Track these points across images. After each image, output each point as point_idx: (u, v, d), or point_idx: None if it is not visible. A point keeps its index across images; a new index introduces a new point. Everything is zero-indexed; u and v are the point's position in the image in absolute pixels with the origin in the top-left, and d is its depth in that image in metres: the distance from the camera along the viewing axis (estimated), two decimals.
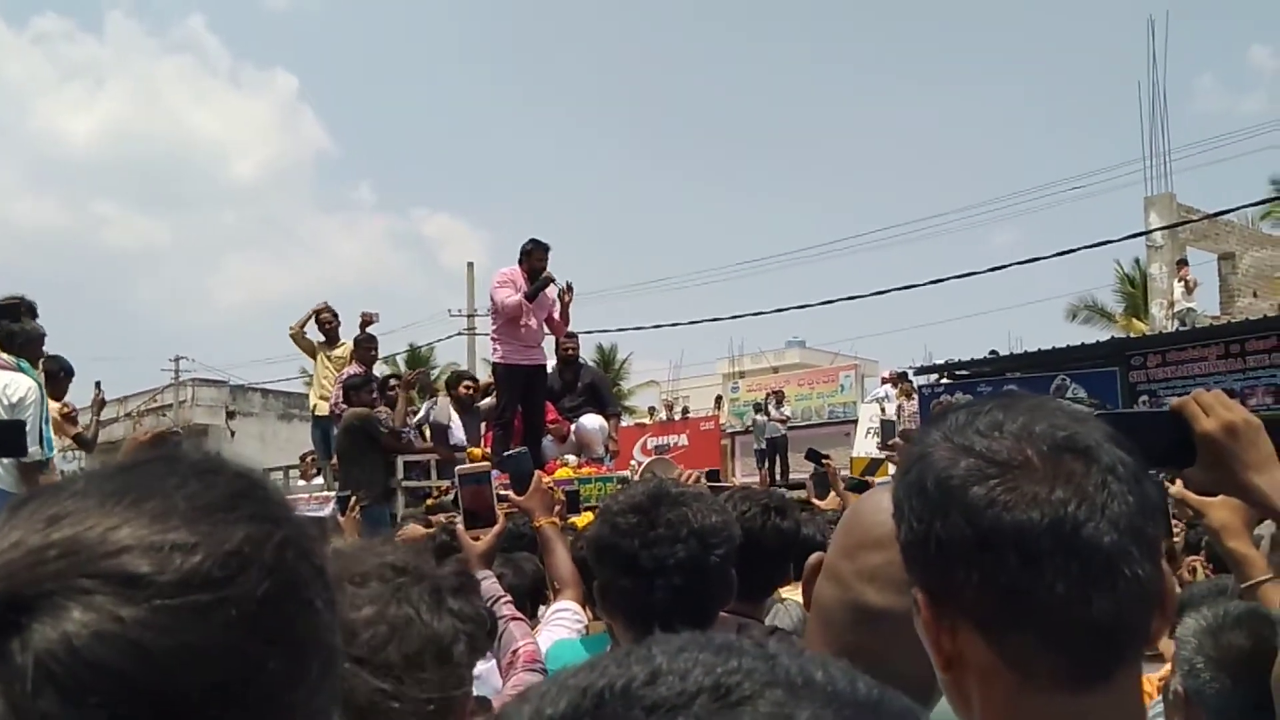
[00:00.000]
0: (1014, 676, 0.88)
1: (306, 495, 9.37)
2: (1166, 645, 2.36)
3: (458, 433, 9.49)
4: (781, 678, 0.46)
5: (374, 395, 9.24)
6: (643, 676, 0.46)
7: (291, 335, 10.98)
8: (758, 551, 2.70)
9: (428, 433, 9.53)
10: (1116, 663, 0.89)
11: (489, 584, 2.54)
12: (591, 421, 9.41)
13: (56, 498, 0.63)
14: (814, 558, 1.41)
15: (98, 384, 7.86)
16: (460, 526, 2.82)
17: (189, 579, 0.59)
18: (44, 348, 6.58)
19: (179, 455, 0.70)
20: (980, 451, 0.90)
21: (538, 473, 3.34)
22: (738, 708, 0.44)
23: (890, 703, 0.47)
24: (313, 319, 10.84)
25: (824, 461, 5.96)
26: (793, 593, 3.30)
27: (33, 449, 5.80)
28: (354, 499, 5.83)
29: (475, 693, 1.91)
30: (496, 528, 2.78)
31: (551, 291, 8.94)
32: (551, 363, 9.54)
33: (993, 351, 19.46)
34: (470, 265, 31.67)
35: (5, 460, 5.81)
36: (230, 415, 30.65)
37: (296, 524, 0.68)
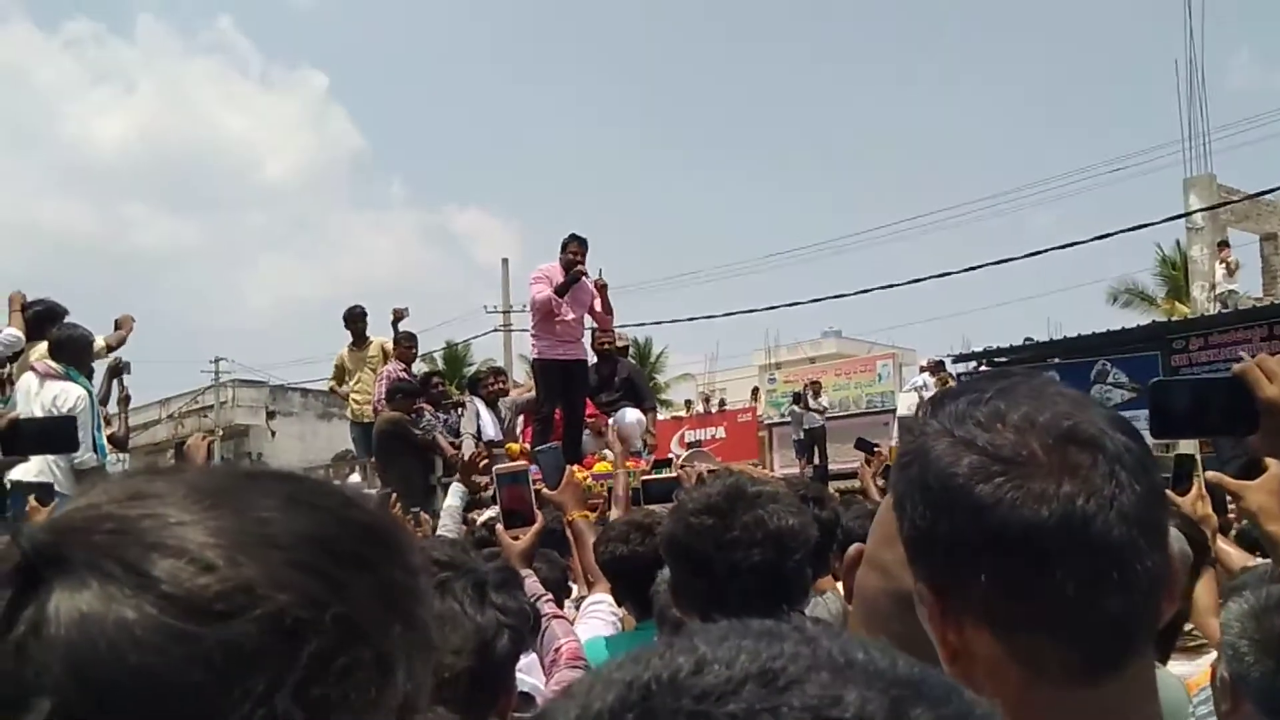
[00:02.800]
0: (1023, 671, 0.87)
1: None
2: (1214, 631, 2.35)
3: (489, 429, 9.53)
4: (825, 660, 0.46)
5: (415, 402, 9.30)
6: (689, 666, 0.46)
7: (331, 390, 11.25)
8: None
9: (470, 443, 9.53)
10: (1128, 654, 0.88)
11: (530, 582, 2.55)
12: (629, 415, 9.43)
13: (156, 479, 0.64)
14: (854, 549, 1.41)
15: (122, 383, 7.93)
16: (500, 526, 2.85)
17: (184, 600, 0.57)
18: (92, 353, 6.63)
19: (299, 479, 0.68)
20: (983, 447, 0.87)
21: (570, 467, 3.36)
22: (785, 692, 0.44)
23: (932, 680, 0.47)
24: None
25: (875, 450, 5.92)
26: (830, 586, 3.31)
27: (86, 455, 5.85)
28: (394, 497, 5.87)
29: (519, 689, 1.93)
30: (536, 526, 2.79)
31: (591, 286, 8.94)
32: (591, 358, 9.55)
33: (1028, 339, 19.30)
34: (505, 261, 31.76)
35: (62, 464, 5.87)
36: (270, 415, 30.93)
37: (359, 586, 0.62)
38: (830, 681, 0.44)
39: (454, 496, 4.09)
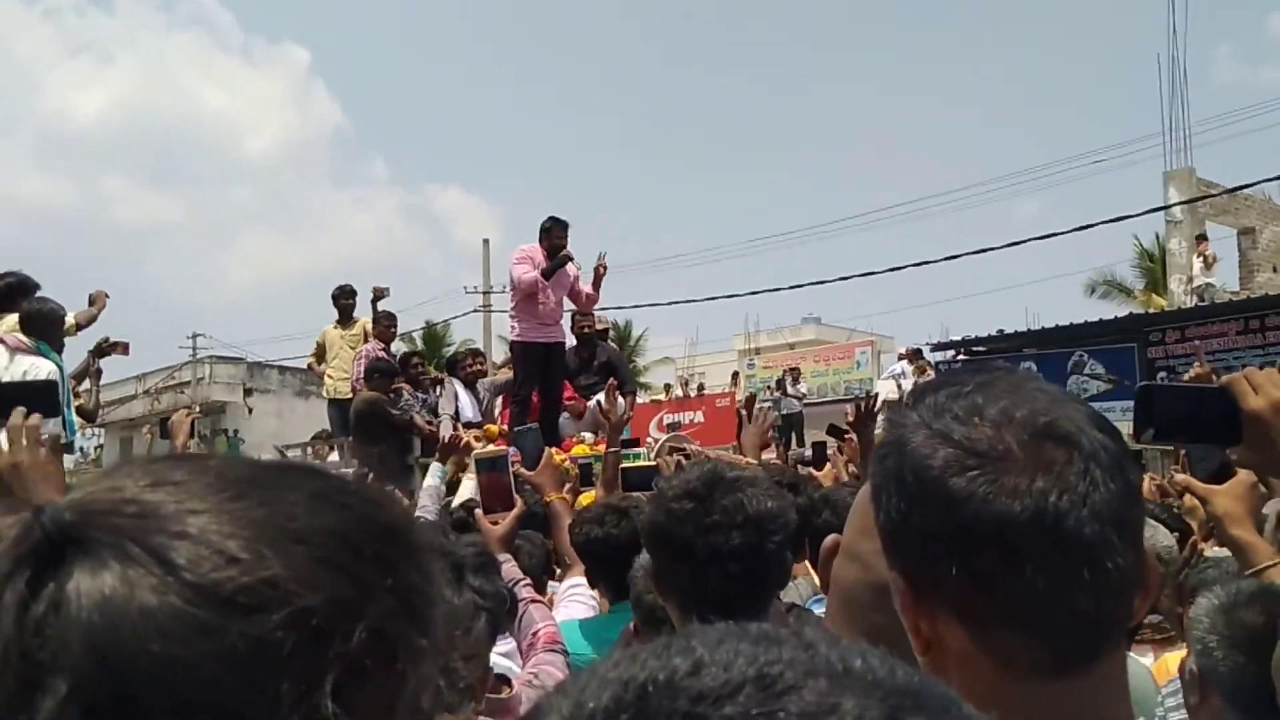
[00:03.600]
0: (994, 665, 0.87)
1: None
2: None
3: (468, 410, 9.52)
4: (823, 667, 0.45)
5: (393, 382, 9.27)
6: (685, 668, 0.45)
7: (309, 367, 11.09)
8: None
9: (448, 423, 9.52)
10: (1098, 650, 0.88)
11: (508, 567, 2.55)
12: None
13: (179, 466, 0.63)
14: (830, 539, 1.40)
15: (91, 353, 7.89)
16: (479, 511, 2.85)
17: (208, 590, 0.56)
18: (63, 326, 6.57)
19: (324, 474, 0.67)
20: (959, 440, 0.87)
21: (548, 449, 3.37)
22: (783, 697, 0.43)
23: (930, 689, 0.47)
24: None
25: (846, 438, 5.92)
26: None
27: (55, 430, 5.80)
28: (370, 477, 5.87)
29: (494, 670, 1.93)
30: (515, 511, 2.80)
31: (571, 269, 8.91)
32: (570, 341, 9.54)
33: (999, 330, 19.39)
34: (485, 242, 31.63)
35: None
36: (248, 392, 30.76)
37: (382, 587, 0.61)
38: (828, 689, 0.44)
39: (433, 476, 4.09)
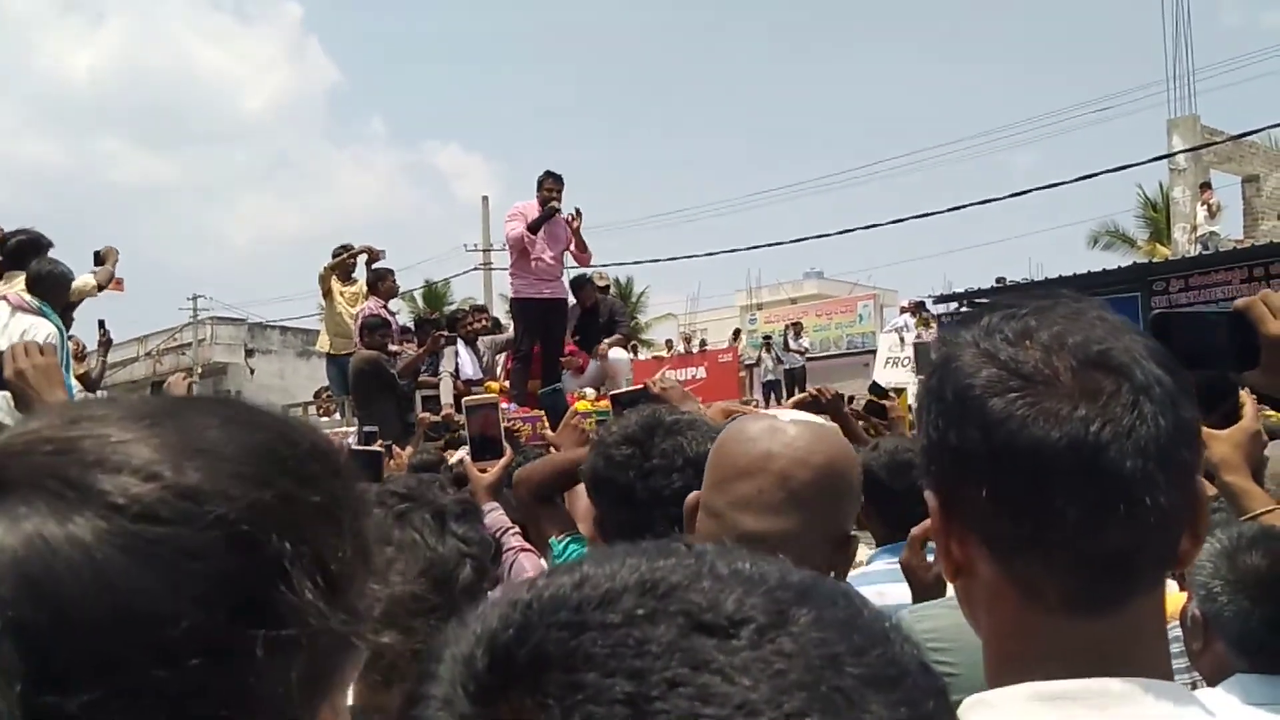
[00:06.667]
0: (1020, 596, 0.85)
1: (326, 431, 9.44)
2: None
3: (468, 368, 9.49)
4: (708, 571, 0.46)
5: (386, 338, 9.20)
6: (570, 584, 0.47)
7: (320, 276, 10.78)
8: None
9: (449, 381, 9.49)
10: (1130, 591, 0.85)
11: (496, 515, 2.53)
12: (618, 353, 9.45)
13: (94, 405, 0.65)
14: (691, 497, 1.45)
15: (101, 323, 7.83)
16: (468, 458, 2.82)
17: (133, 510, 0.58)
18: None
19: (235, 403, 0.69)
20: (1004, 361, 0.84)
21: (572, 407, 3.36)
22: (664, 599, 0.45)
23: (823, 586, 0.48)
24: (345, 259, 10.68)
25: (885, 402, 5.84)
26: None
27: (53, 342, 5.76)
28: (376, 434, 5.83)
29: None
30: (503, 459, 2.78)
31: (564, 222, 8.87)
32: (572, 300, 9.50)
33: (999, 279, 19.32)
34: (485, 199, 31.50)
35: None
36: (249, 353, 30.82)
37: (305, 500, 0.63)
38: (710, 589, 0.45)
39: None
